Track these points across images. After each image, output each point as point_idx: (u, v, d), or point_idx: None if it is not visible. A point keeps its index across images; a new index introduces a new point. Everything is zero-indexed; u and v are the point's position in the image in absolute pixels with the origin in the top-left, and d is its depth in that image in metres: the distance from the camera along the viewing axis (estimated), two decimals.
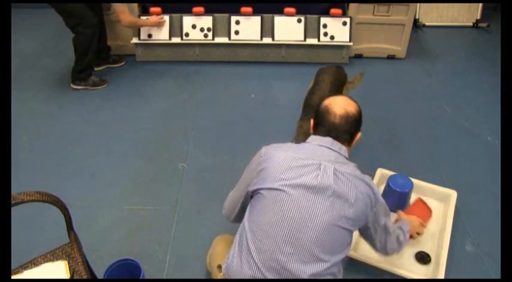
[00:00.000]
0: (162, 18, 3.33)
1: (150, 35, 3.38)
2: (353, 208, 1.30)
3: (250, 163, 1.46)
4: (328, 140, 1.40)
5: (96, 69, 3.33)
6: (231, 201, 1.56)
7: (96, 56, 3.22)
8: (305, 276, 1.23)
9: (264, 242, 1.26)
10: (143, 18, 3.30)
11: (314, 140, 1.43)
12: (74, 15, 2.91)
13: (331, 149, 1.38)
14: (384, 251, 1.60)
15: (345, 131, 1.42)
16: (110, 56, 3.45)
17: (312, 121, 1.51)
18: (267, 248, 1.25)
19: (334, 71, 2.38)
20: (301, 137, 2.07)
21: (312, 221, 1.25)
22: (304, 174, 1.29)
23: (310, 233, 1.25)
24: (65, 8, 2.89)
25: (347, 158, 1.42)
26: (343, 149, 1.42)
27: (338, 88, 2.31)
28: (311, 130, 1.51)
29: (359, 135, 1.49)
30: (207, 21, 3.36)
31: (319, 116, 1.46)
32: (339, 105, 1.43)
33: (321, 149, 1.38)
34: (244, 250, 1.30)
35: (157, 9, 3.33)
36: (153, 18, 3.30)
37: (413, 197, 2.26)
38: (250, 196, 1.42)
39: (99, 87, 3.20)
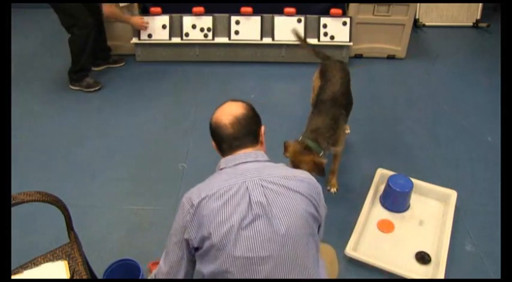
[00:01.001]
0: (147, 23, 3.32)
1: (150, 35, 3.38)
2: (294, 215, 1.18)
3: (178, 219, 1.24)
4: (240, 157, 1.29)
5: (95, 69, 3.33)
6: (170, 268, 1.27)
7: (93, 57, 3.22)
8: None
9: None
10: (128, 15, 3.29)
11: (228, 161, 1.30)
12: (70, 15, 2.90)
13: (248, 162, 1.28)
14: None
15: (246, 135, 1.32)
16: (110, 56, 3.45)
17: (213, 145, 1.38)
18: None
19: (340, 67, 2.39)
20: (312, 129, 2.09)
21: (267, 251, 1.15)
22: (237, 207, 1.17)
23: (266, 267, 1.15)
24: (62, 7, 2.88)
25: (268, 160, 1.32)
26: (259, 154, 1.32)
27: (347, 84, 2.34)
28: (218, 153, 1.37)
29: (263, 129, 1.39)
30: (207, 21, 3.36)
31: (216, 136, 1.34)
32: (225, 113, 1.33)
33: (240, 169, 1.26)
34: None
35: (157, 9, 3.33)
36: (137, 19, 3.28)
37: (412, 197, 2.27)
38: (192, 251, 1.24)
39: (92, 90, 3.17)
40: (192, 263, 1.26)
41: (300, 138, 2.06)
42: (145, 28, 3.34)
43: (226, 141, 1.31)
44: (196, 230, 1.18)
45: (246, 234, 1.15)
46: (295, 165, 1.97)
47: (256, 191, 1.19)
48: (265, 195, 1.18)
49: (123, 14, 3.24)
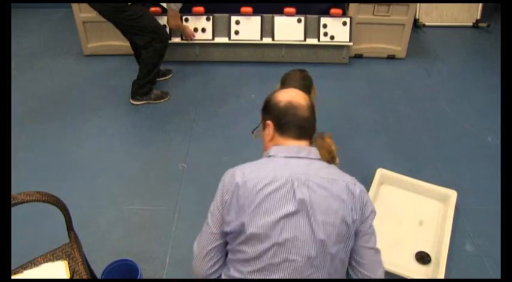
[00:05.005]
0: (194, 36, 3.33)
1: None
2: (332, 222, 1.16)
3: (218, 194, 1.24)
4: (293, 149, 1.26)
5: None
6: (203, 245, 1.27)
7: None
8: None
9: None
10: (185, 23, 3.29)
11: (280, 151, 1.26)
12: (152, 30, 2.76)
13: (300, 158, 1.25)
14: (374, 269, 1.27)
15: (313, 124, 1.33)
16: (159, 70, 3.21)
17: (269, 126, 1.31)
18: None
19: (299, 76, 2.24)
20: None
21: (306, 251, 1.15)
22: (281, 201, 1.15)
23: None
24: (145, 24, 2.72)
25: (319, 159, 1.29)
26: (312, 151, 1.28)
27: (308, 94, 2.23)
28: (268, 137, 1.32)
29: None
30: (207, 21, 3.36)
31: (286, 115, 1.28)
32: (300, 96, 1.32)
33: (290, 163, 1.23)
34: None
35: (157, 9, 3.32)
36: (190, 29, 3.27)
37: (412, 197, 2.27)
38: (227, 239, 1.24)
39: (162, 101, 3.06)
40: (225, 250, 1.27)
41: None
42: (191, 39, 3.32)
43: (296, 125, 1.28)
44: (236, 214, 1.17)
45: (289, 226, 1.15)
46: (332, 159, 1.91)
47: (301, 190, 1.16)
48: (309, 196, 1.16)
49: (182, 23, 3.20)
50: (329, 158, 1.89)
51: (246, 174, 1.19)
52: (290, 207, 1.15)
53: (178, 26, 3.15)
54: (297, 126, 1.28)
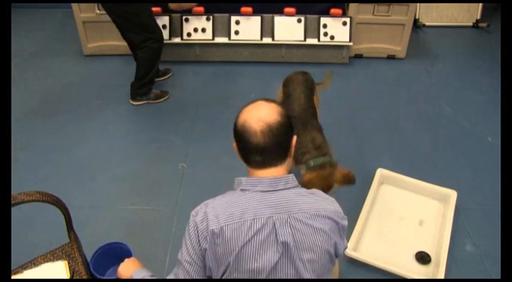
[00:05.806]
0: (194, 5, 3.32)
1: None
2: (318, 259, 1.13)
3: (192, 238, 1.12)
4: (269, 182, 1.14)
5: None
6: None
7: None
8: None
9: None
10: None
11: (253, 184, 1.14)
12: (146, 28, 2.76)
13: (278, 191, 1.13)
14: None
15: (277, 147, 1.14)
16: (158, 70, 3.20)
17: (235, 148, 1.20)
18: None
19: (301, 78, 2.25)
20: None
21: None
22: (264, 246, 1.08)
23: None
24: (138, 20, 2.71)
25: (297, 185, 1.18)
26: (290, 179, 1.16)
27: (309, 96, 2.20)
28: (239, 156, 1.21)
29: (294, 139, 1.20)
30: (206, 21, 3.36)
31: (240, 140, 1.15)
32: (256, 118, 1.13)
33: (268, 199, 1.12)
34: None
35: (157, 9, 3.32)
36: (189, 4, 3.26)
37: (412, 197, 2.27)
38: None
39: (162, 100, 3.06)
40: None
41: (312, 163, 1.89)
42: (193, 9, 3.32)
43: (253, 152, 1.14)
44: (216, 261, 1.10)
45: (273, 272, 1.10)
46: (328, 188, 1.86)
47: (284, 231, 1.09)
48: (292, 236, 1.09)
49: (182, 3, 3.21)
50: (324, 187, 1.83)
51: (221, 218, 1.08)
52: (273, 255, 1.08)
53: (180, 6, 3.17)
54: (254, 154, 1.14)
